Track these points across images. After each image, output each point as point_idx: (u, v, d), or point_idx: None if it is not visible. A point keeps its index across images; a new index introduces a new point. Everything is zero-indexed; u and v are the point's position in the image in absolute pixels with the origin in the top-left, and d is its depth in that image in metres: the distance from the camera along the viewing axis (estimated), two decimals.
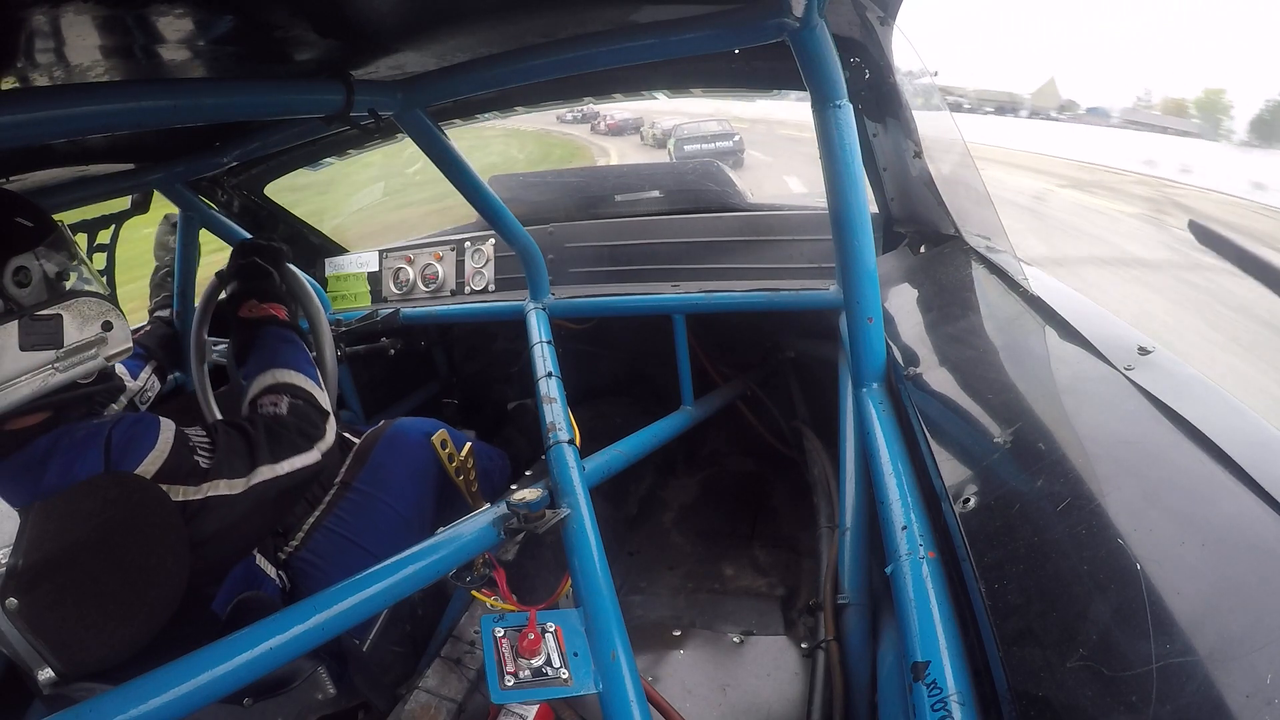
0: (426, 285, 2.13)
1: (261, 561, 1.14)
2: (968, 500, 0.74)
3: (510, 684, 0.89)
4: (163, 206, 1.69)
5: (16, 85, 0.84)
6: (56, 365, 0.87)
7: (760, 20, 0.93)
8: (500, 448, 1.73)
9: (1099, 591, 0.54)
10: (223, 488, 0.89)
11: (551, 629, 0.94)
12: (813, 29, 0.94)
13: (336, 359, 1.45)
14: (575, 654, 0.93)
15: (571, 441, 1.25)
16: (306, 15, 0.84)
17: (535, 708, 1.09)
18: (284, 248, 1.30)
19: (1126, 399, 0.71)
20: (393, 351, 1.75)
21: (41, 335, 0.86)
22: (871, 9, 1.12)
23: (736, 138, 13.77)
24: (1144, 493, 0.61)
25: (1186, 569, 0.51)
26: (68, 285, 0.92)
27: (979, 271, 1.24)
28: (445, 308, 2.04)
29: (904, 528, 0.82)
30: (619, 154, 15.42)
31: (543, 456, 1.27)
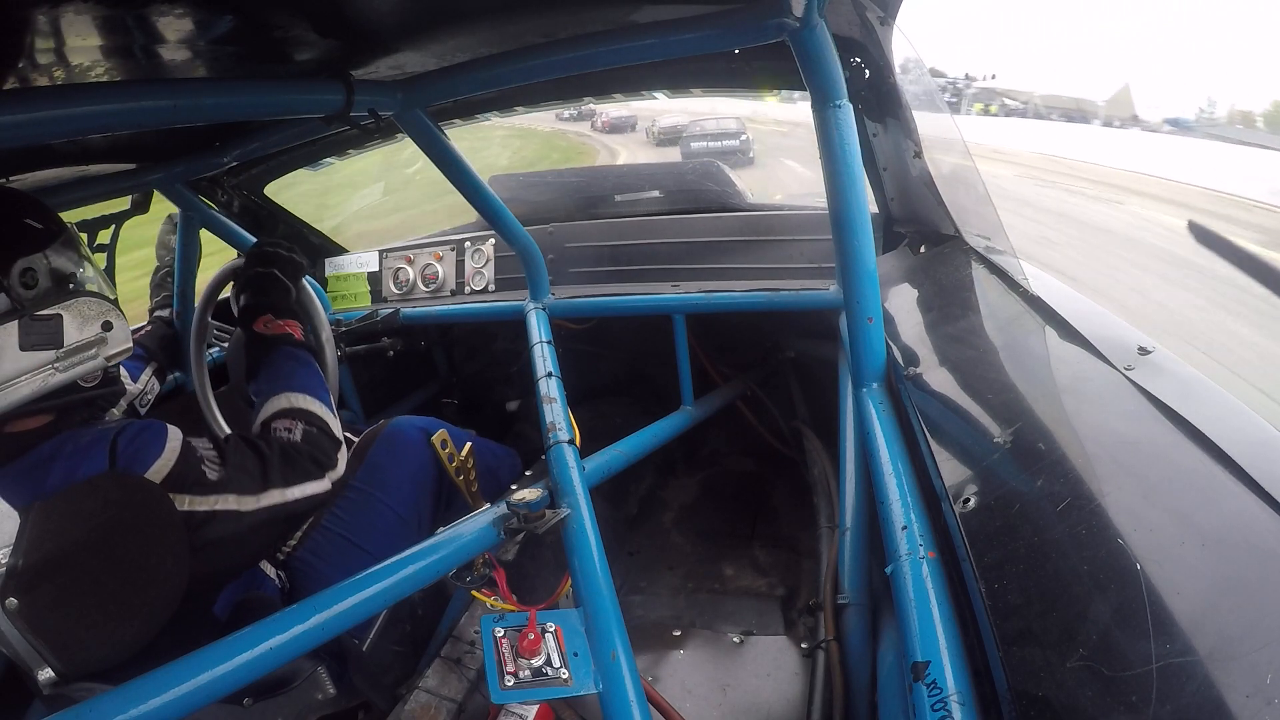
0: (426, 285, 2.13)
1: (261, 562, 1.14)
2: (968, 500, 0.74)
3: (510, 684, 0.89)
4: (163, 206, 1.70)
5: (16, 85, 0.84)
6: (56, 365, 0.87)
7: (760, 20, 0.93)
8: (512, 444, 1.72)
9: (1099, 591, 0.54)
10: (232, 502, 0.89)
11: (551, 629, 0.94)
12: (813, 29, 0.94)
13: (336, 359, 1.45)
14: (575, 654, 0.93)
15: (571, 441, 1.25)
16: (306, 15, 0.84)
17: (535, 708, 1.09)
18: (304, 261, 1.30)
19: (1126, 399, 0.71)
20: (392, 352, 1.75)
21: (41, 335, 0.86)
22: (871, 9, 1.12)
23: (745, 136, 13.66)
24: (1144, 493, 0.61)
25: (1186, 569, 0.51)
26: (73, 286, 0.92)
27: (979, 271, 1.24)
28: (445, 308, 2.04)
29: (904, 528, 0.82)
30: (629, 154, 15.32)
31: (543, 456, 1.27)
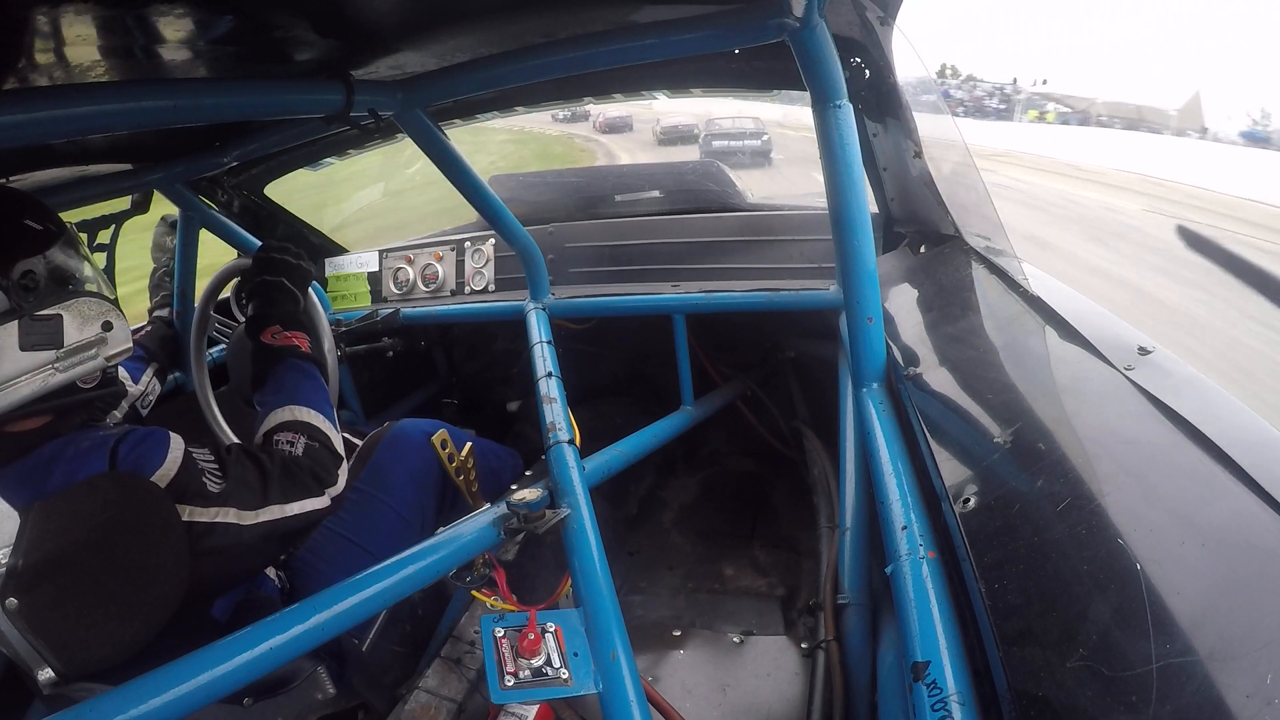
0: (426, 285, 2.13)
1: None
2: (968, 500, 0.74)
3: (510, 684, 0.89)
4: (163, 206, 1.70)
5: (16, 85, 0.84)
6: (56, 365, 0.87)
7: (760, 20, 0.93)
8: (513, 445, 1.72)
9: (1099, 591, 0.54)
10: (232, 516, 0.89)
11: (551, 629, 0.94)
12: (813, 29, 0.94)
13: (336, 359, 1.45)
14: (575, 654, 0.93)
15: (571, 441, 1.25)
16: (306, 15, 0.84)
17: (535, 708, 1.09)
18: (311, 269, 1.29)
19: (1126, 399, 0.71)
20: (392, 352, 1.75)
21: (41, 335, 0.86)
22: (871, 9, 1.12)
23: (765, 136, 13.51)
24: (1144, 493, 0.61)
25: (1186, 569, 0.51)
26: (73, 287, 0.92)
27: (979, 271, 1.24)
28: (445, 308, 2.04)
29: (904, 528, 0.82)
30: (629, 157, 15.22)
31: (543, 456, 1.27)
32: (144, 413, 1.45)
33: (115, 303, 0.97)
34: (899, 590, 0.76)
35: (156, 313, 1.71)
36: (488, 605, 1.20)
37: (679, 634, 1.47)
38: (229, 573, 0.96)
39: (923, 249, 1.47)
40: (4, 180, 1.24)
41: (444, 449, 1.37)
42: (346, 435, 1.52)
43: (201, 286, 1.58)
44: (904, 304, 1.34)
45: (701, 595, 1.62)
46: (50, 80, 0.86)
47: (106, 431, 0.89)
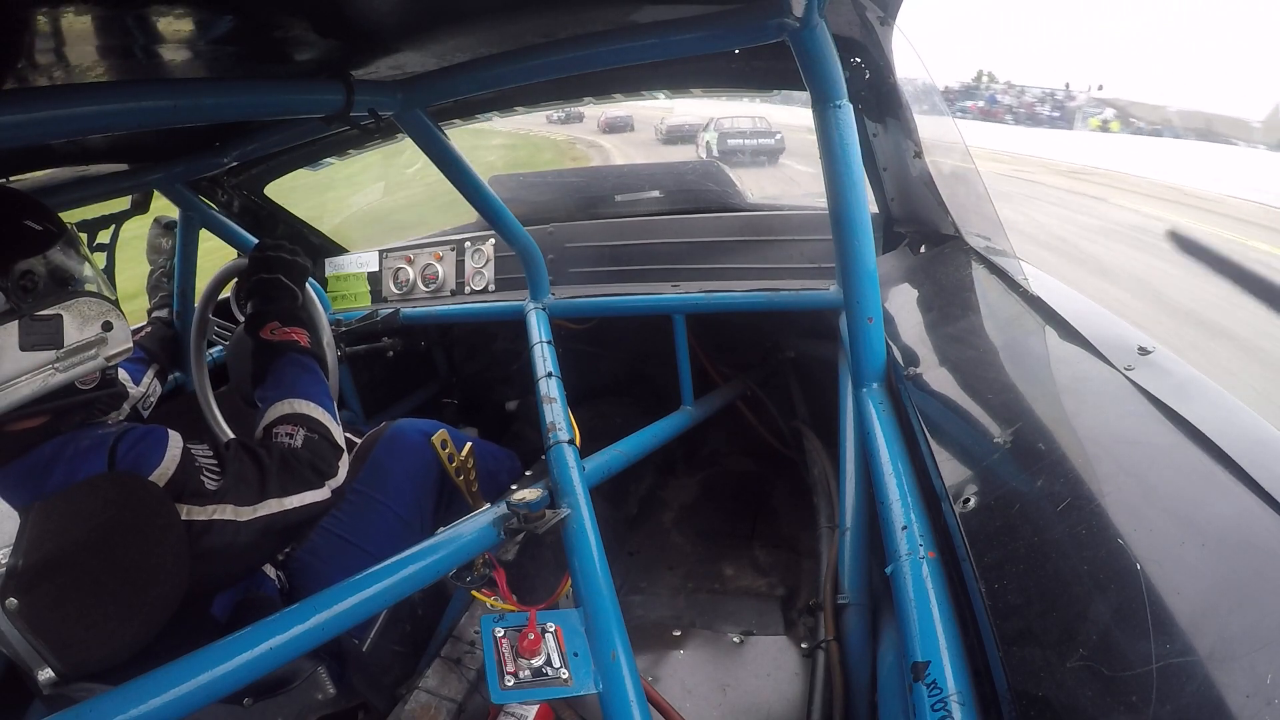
0: (426, 285, 2.13)
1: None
2: (968, 500, 0.74)
3: (510, 684, 0.89)
4: (162, 207, 1.70)
5: (16, 85, 0.84)
6: (56, 365, 0.87)
7: (760, 20, 0.93)
8: (510, 445, 1.72)
9: (1099, 591, 0.54)
10: (229, 512, 0.89)
11: (551, 629, 0.94)
12: (813, 29, 0.94)
13: (337, 359, 1.45)
14: (575, 654, 0.93)
15: (571, 441, 1.25)
16: (306, 15, 0.84)
17: (535, 708, 1.09)
18: (308, 264, 1.29)
19: (1126, 399, 0.71)
20: (392, 352, 1.75)
21: (41, 335, 0.86)
22: (871, 9, 1.12)
23: (779, 135, 13.58)
24: (1144, 493, 0.61)
25: (1186, 569, 0.51)
26: (73, 287, 0.92)
27: (979, 271, 1.24)
28: (445, 308, 2.04)
29: (904, 528, 0.82)
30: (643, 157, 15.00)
31: (543, 456, 1.27)
32: (145, 414, 1.45)
33: (115, 303, 0.97)
34: (899, 590, 0.76)
35: (156, 313, 1.71)
36: (488, 605, 1.20)
37: (679, 634, 1.47)
38: (229, 570, 0.96)
39: (923, 249, 1.47)
40: (4, 180, 1.24)
41: (444, 449, 1.37)
42: (346, 434, 1.52)
43: (201, 286, 1.58)
44: (904, 304, 1.34)
45: (701, 595, 1.62)
46: (50, 80, 0.86)
47: (105, 430, 0.89)
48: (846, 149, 1.07)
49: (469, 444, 1.41)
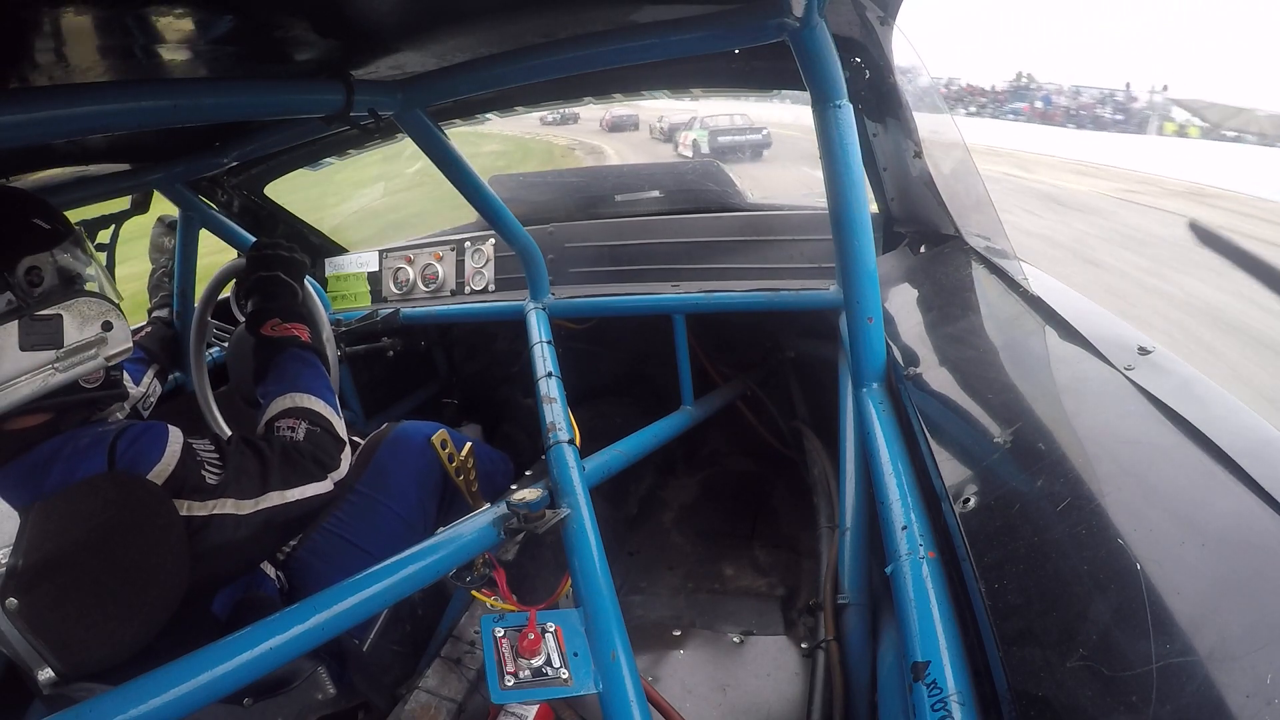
0: (426, 285, 2.13)
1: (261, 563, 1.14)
2: (968, 500, 0.74)
3: (510, 684, 0.89)
4: (162, 206, 1.70)
5: (16, 85, 0.85)
6: (56, 365, 0.87)
7: (760, 20, 0.93)
8: (500, 445, 1.72)
9: (1099, 591, 0.54)
10: (229, 506, 0.89)
11: (551, 629, 0.94)
12: (813, 29, 0.94)
13: (337, 359, 1.45)
14: (575, 654, 0.93)
15: (571, 441, 1.25)
16: (306, 15, 0.84)
17: (535, 708, 1.09)
18: (305, 260, 1.30)
19: (1126, 399, 0.71)
20: (392, 352, 1.75)
21: (41, 335, 0.86)
22: (871, 9, 1.12)
23: (765, 131, 13.82)
24: (1144, 493, 0.61)
25: (1186, 569, 0.51)
26: (79, 286, 0.92)
27: (979, 271, 1.24)
28: (445, 308, 2.04)
29: (904, 528, 0.82)
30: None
31: (543, 456, 1.27)
32: (145, 414, 1.45)
33: (117, 303, 0.97)
34: (899, 590, 0.76)
35: (156, 313, 1.71)
36: (488, 605, 1.20)
37: (679, 634, 1.47)
38: (230, 565, 0.96)
39: (923, 249, 1.47)
40: (4, 180, 1.24)
41: (444, 449, 1.37)
42: (350, 436, 1.52)
43: (201, 287, 1.58)
44: (904, 304, 1.34)
45: (701, 595, 1.62)
46: (50, 80, 0.86)
47: (105, 428, 0.90)
48: (846, 149, 1.07)
49: (469, 444, 1.41)
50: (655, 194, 2.10)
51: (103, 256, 1.61)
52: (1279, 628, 0.44)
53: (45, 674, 0.78)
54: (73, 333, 0.89)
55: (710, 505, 2.02)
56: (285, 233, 2.10)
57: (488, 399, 2.49)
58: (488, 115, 1.81)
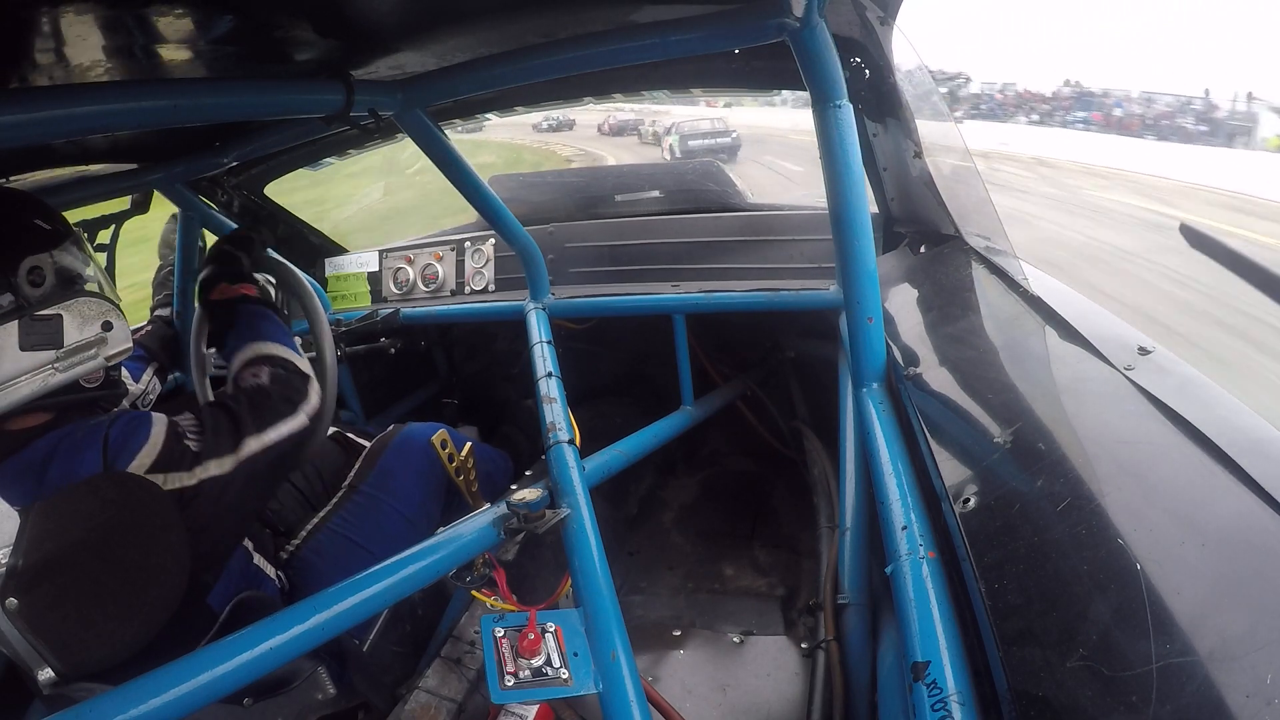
0: (426, 285, 2.13)
1: (260, 561, 1.14)
2: (968, 500, 0.74)
3: (510, 684, 0.89)
4: (162, 206, 1.70)
5: (17, 85, 0.85)
6: (56, 365, 0.87)
7: (760, 20, 0.93)
8: (499, 446, 1.72)
9: (1099, 591, 0.54)
10: (213, 469, 0.89)
11: (551, 629, 0.94)
12: (813, 29, 0.94)
13: (336, 359, 1.45)
14: (575, 654, 0.93)
15: (571, 441, 1.25)
16: (306, 15, 0.84)
17: (535, 708, 1.09)
18: (253, 234, 1.31)
19: (1126, 399, 0.71)
20: (393, 351, 1.75)
21: (41, 335, 0.86)
22: (871, 9, 1.12)
23: (735, 134, 14.33)
24: (1144, 493, 0.61)
25: (1186, 569, 0.51)
26: (79, 287, 0.92)
27: (979, 271, 1.24)
28: (445, 308, 2.04)
29: (904, 528, 0.82)
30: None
31: (543, 456, 1.27)
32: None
33: (117, 303, 0.97)
34: (899, 590, 0.76)
35: (158, 312, 1.71)
36: (488, 605, 1.20)
37: (679, 634, 1.47)
38: (229, 527, 0.97)
39: (923, 249, 1.47)
40: (4, 180, 1.24)
41: (444, 449, 1.37)
42: (351, 435, 1.52)
43: None
44: (904, 304, 1.34)
45: (701, 595, 1.62)
46: (50, 80, 0.86)
47: (98, 420, 0.90)
48: (846, 149, 1.07)
49: (469, 444, 1.42)
50: (655, 194, 2.10)
51: (103, 257, 1.61)
52: (1279, 628, 0.44)
53: (45, 674, 0.78)
54: (73, 333, 0.89)
55: (710, 505, 2.02)
56: (285, 233, 2.11)
57: (488, 399, 2.49)
58: (488, 115, 1.81)
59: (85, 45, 0.77)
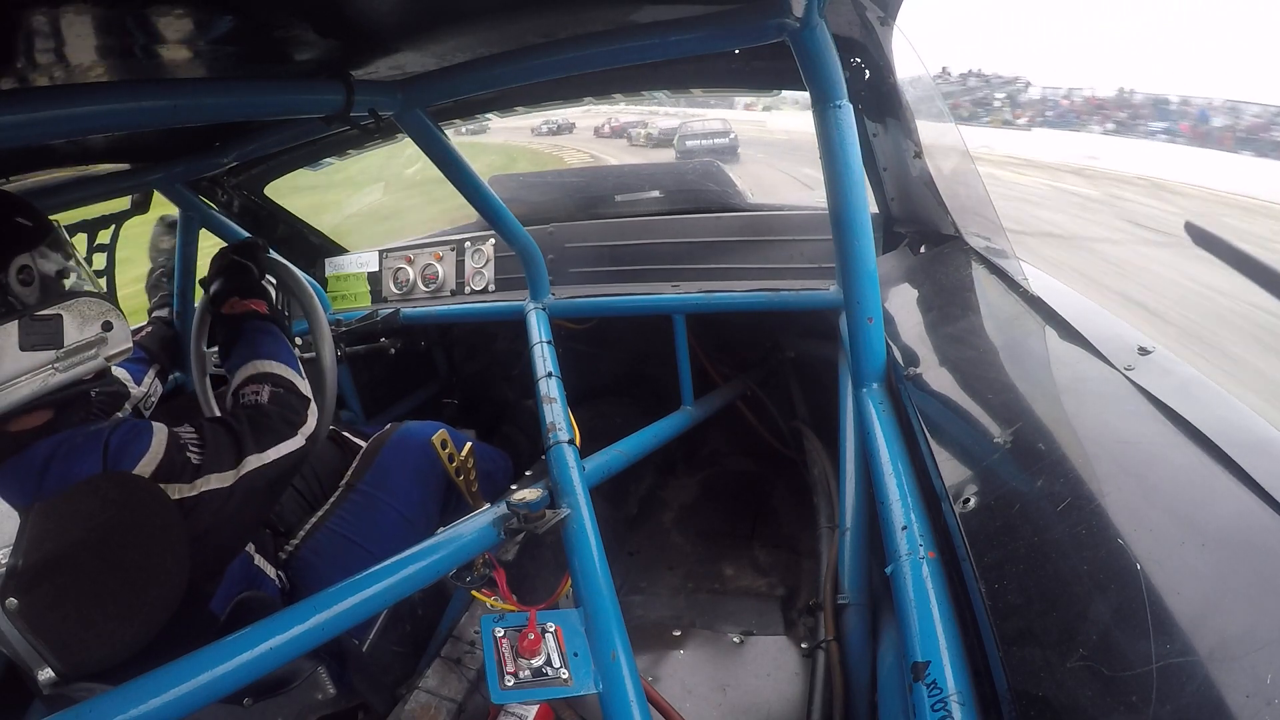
0: (426, 285, 2.13)
1: (261, 561, 1.14)
2: (968, 500, 0.74)
3: (510, 684, 0.89)
4: (163, 206, 1.70)
5: (16, 85, 0.85)
6: (56, 365, 0.87)
7: (760, 20, 0.93)
8: (500, 446, 1.72)
9: (1099, 591, 0.54)
10: (214, 482, 0.90)
11: (551, 629, 0.94)
12: (813, 29, 0.94)
13: (336, 359, 1.45)
14: (575, 654, 0.93)
15: (571, 441, 1.25)
16: (306, 15, 0.84)
17: (535, 708, 1.09)
18: (259, 241, 1.32)
19: (1126, 399, 0.71)
20: (393, 351, 1.75)
21: (41, 335, 0.86)
22: (871, 9, 1.12)
23: (732, 135, 14.35)
24: (1144, 493, 0.61)
25: (1186, 569, 0.51)
26: (66, 285, 0.92)
27: (979, 271, 1.24)
28: (445, 308, 2.04)
29: (904, 528, 0.82)
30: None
31: (543, 456, 1.27)
32: (146, 414, 1.45)
33: (115, 303, 0.97)
34: (899, 590, 0.76)
35: (156, 313, 1.71)
36: (488, 605, 1.20)
37: (679, 634, 1.47)
38: (227, 539, 0.97)
39: (923, 249, 1.47)
40: (4, 180, 1.24)
41: (444, 449, 1.37)
42: (348, 435, 1.52)
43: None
44: (904, 304, 1.34)
45: (701, 595, 1.62)
46: (50, 80, 0.86)
47: (100, 426, 0.90)
48: (846, 149, 1.07)
49: (469, 444, 1.42)
50: (655, 194, 2.10)
51: (102, 257, 1.61)
52: (1279, 628, 0.44)
53: (45, 674, 0.78)
54: (73, 333, 0.89)
55: (710, 505, 2.02)
56: (285, 233, 2.10)
57: (488, 399, 2.49)
58: (488, 116, 1.81)
59: (85, 45, 0.77)
